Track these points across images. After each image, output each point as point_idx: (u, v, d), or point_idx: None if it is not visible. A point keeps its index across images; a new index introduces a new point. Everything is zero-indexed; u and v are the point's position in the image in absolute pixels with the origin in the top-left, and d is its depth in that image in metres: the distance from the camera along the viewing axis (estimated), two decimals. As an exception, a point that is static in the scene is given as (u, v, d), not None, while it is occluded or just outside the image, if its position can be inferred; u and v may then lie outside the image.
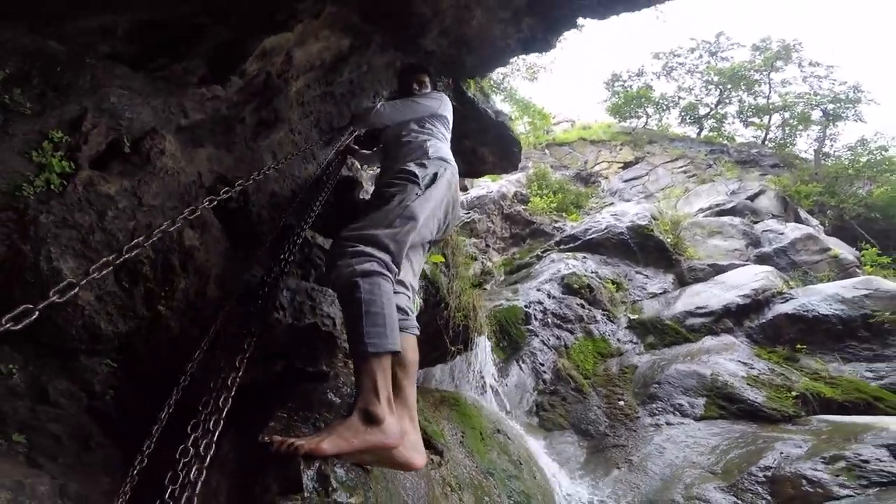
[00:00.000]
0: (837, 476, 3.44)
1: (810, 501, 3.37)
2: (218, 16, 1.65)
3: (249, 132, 1.58)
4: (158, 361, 1.52)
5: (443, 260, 3.21)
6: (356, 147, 2.68)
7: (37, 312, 0.80)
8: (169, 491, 1.00)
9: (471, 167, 4.79)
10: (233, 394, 1.17)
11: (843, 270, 7.57)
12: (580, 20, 3.16)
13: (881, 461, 3.47)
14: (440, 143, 2.11)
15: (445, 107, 2.40)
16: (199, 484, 1.02)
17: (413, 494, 1.86)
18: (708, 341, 5.49)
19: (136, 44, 1.50)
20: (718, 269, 6.67)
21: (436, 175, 1.83)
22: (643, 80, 17.57)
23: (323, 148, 2.11)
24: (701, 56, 17.06)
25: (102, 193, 1.21)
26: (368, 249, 1.47)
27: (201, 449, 1.07)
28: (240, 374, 1.22)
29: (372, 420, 1.29)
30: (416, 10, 2.38)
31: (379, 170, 2.35)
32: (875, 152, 13.39)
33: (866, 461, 3.48)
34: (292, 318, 1.52)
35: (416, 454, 1.43)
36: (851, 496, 3.32)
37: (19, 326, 0.77)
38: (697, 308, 5.89)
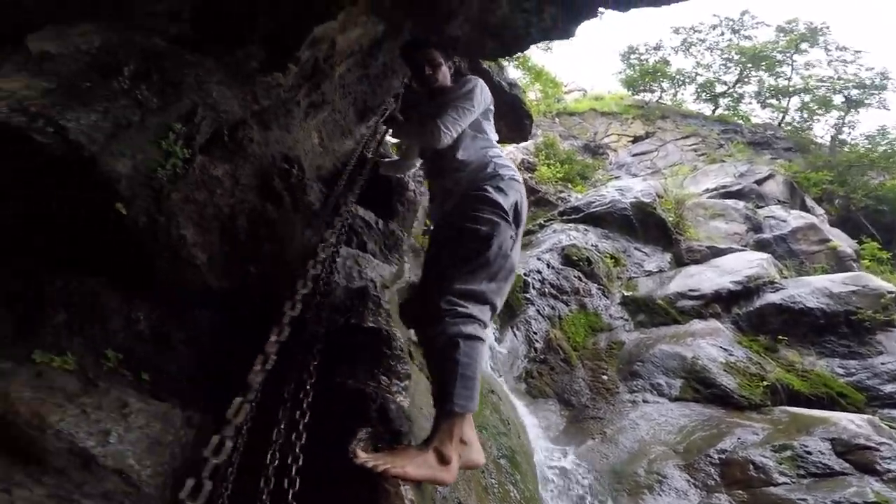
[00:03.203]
0: (781, 464, 3.60)
1: (752, 485, 3.53)
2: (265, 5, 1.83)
3: (302, 113, 1.81)
4: (254, 312, 1.77)
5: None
6: (385, 159, 2.57)
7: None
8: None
9: (483, 137, 4.89)
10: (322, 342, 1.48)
11: (839, 263, 7.49)
12: (601, 9, 3.24)
13: (822, 454, 3.63)
14: (499, 152, 2.01)
15: (489, 94, 2.10)
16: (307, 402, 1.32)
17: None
18: (695, 325, 5.41)
19: (197, 30, 1.70)
20: (716, 252, 6.66)
21: (517, 205, 1.80)
22: (660, 54, 17.26)
23: (357, 124, 2.32)
24: (723, 33, 16.67)
25: (212, 175, 1.51)
26: (474, 311, 1.60)
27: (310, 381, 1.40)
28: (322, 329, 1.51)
29: (444, 460, 1.53)
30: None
31: (432, 179, 2.07)
32: (894, 142, 12.95)
33: (809, 452, 3.64)
34: (345, 281, 1.82)
35: (479, 455, 1.70)
36: (788, 483, 3.50)
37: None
38: (690, 290, 5.85)
